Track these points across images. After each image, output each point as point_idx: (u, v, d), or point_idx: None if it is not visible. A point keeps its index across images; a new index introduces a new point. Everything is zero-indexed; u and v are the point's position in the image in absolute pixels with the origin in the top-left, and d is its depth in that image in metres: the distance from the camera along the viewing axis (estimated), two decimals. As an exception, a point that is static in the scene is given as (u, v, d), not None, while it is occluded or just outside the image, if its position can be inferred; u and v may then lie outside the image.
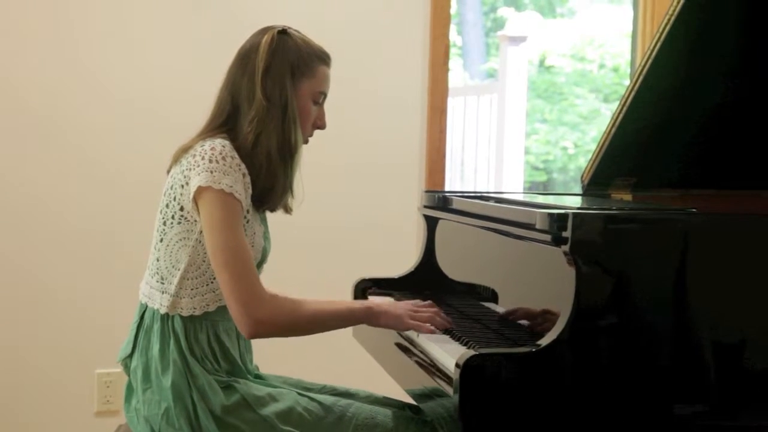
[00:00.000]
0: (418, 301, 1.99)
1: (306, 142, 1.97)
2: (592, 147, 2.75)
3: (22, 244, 2.99)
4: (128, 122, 3.05)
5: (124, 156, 3.04)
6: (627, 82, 8.50)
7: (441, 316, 1.95)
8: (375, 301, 2.05)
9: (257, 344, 2.00)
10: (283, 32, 1.91)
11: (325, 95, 1.96)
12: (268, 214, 1.99)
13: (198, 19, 3.08)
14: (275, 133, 1.86)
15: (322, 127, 1.98)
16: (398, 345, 2.00)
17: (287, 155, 1.89)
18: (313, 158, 3.16)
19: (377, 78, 3.30)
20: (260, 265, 1.93)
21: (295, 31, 1.94)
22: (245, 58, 1.90)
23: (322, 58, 1.94)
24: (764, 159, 2.35)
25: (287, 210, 1.97)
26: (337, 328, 1.92)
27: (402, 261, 2.55)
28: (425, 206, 2.41)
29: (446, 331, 1.93)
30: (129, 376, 1.91)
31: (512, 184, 6.58)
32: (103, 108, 3.03)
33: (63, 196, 3.01)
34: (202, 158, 1.80)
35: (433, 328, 1.91)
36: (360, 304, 1.96)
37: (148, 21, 3.06)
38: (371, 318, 1.91)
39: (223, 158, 1.79)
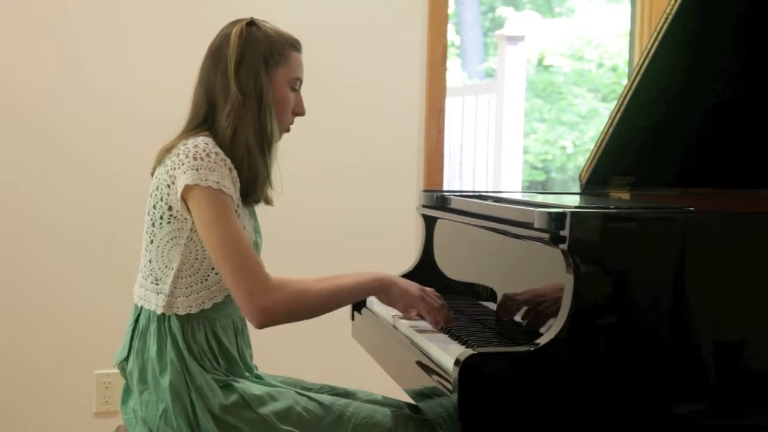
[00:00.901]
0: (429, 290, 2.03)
1: (288, 130, 1.98)
2: (591, 146, 2.75)
3: (20, 245, 2.99)
4: (127, 123, 3.05)
5: (123, 156, 3.04)
6: (625, 81, 8.50)
7: (448, 309, 1.97)
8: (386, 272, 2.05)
9: (256, 344, 2.00)
10: (252, 23, 1.91)
11: (300, 81, 1.96)
12: (261, 213, 1.99)
13: (198, 21, 3.08)
14: (252, 125, 1.87)
15: (301, 113, 1.98)
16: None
17: (265, 145, 1.89)
18: (311, 158, 3.19)
19: (375, 78, 3.31)
20: None
21: (263, 21, 1.94)
22: (216, 53, 1.90)
23: (293, 44, 1.94)
24: (762, 158, 2.35)
25: (268, 202, 1.98)
26: (350, 302, 1.95)
27: (400, 260, 2.56)
28: (423, 206, 2.41)
29: (445, 330, 1.93)
30: (126, 378, 1.91)
31: (510, 184, 6.58)
32: (102, 108, 3.03)
33: (61, 197, 3.01)
34: (186, 156, 1.79)
35: (439, 320, 1.93)
36: (369, 276, 1.94)
37: (148, 22, 3.06)
38: (383, 289, 1.92)
39: (207, 155, 1.79)
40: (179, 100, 1.98)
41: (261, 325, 1.79)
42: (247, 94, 1.86)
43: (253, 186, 1.89)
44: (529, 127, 9.03)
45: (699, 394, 1.66)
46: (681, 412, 1.65)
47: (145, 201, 1.89)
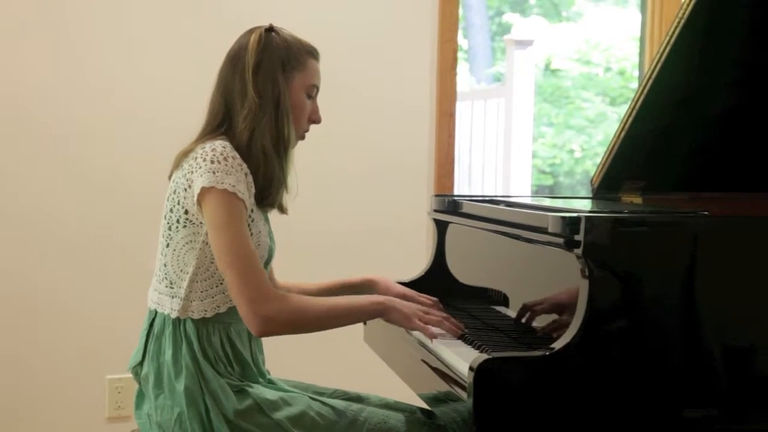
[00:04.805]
0: (427, 300, 2.04)
1: (303, 137, 1.98)
2: (599, 150, 2.75)
3: (29, 253, 2.99)
4: (129, 128, 3.05)
5: (129, 161, 3.04)
6: (633, 85, 8.48)
7: (451, 321, 1.95)
8: (387, 295, 2.04)
9: (268, 348, 2.01)
10: (270, 30, 1.92)
11: (317, 89, 1.97)
12: (273, 217, 1.99)
13: (199, 25, 3.09)
14: (268, 129, 1.87)
15: (317, 121, 1.99)
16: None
17: (281, 149, 1.90)
18: (323, 163, 3.19)
19: (385, 83, 3.31)
20: (267, 263, 1.94)
21: (281, 28, 1.95)
22: (235, 58, 1.91)
23: (310, 52, 1.95)
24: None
25: (282, 210, 1.98)
26: (349, 323, 1.90)
27: (412, 265, 2.56)
28: (435, 210, 2.41)
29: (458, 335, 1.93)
30: (139, 383, 1.91)
31: (519, 188, 6.59)
32: (104, 113, 3.03)
33: (70, 203, 3.01)
34: (204, 159, 1.80)
35: (437, 333, 1.91)
36: (371, 299, 1.94)
37: (148, 25, 3.06)
38: (382, 312, 1.90)
39: (225, 158, 1.80)
40: (180, 103, 1.98)
41: (260, 333, 1.79)
42: (264, 97, 1.87)
43: (269, 189, 1.89)
44: (538, 131, 9.03)
45: (713, 398, 1.66)
46: (695, 416, 1.65)
47: (155, 205, 1.90)
